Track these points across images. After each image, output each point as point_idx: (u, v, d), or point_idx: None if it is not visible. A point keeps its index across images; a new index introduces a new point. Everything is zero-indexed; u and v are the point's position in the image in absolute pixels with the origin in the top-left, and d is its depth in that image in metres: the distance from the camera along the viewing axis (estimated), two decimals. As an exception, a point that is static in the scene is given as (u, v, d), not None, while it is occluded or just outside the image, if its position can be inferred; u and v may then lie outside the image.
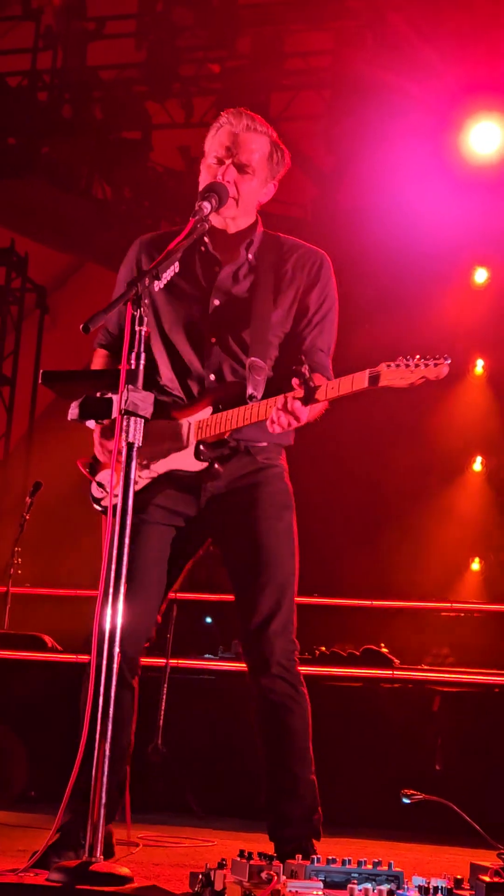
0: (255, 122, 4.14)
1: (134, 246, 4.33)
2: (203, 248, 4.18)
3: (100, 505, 4.14)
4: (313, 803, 4.00)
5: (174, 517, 4.13)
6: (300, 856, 3.32)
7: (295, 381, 3.75)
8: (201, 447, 4.01)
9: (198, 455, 4.01)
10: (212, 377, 4.10)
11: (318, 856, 3.30)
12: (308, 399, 3.73)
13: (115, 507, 3.46)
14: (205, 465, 4.01)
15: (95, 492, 4.15)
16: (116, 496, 3.72)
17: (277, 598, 4.03)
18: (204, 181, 4.13)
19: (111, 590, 3.36)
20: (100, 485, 4.14)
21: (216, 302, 4.14)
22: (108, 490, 4.07)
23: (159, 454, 4.04)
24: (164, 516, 4.11)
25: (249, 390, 4.00)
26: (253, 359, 4.05)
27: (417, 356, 3.69)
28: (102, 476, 4.12)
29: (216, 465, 4.02)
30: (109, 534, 3.43)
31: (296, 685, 4.03)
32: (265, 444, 4.14)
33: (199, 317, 4.14)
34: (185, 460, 4.04)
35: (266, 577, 4.03)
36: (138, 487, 4.04)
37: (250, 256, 4.20)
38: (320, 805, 4.02)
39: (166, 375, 4.18)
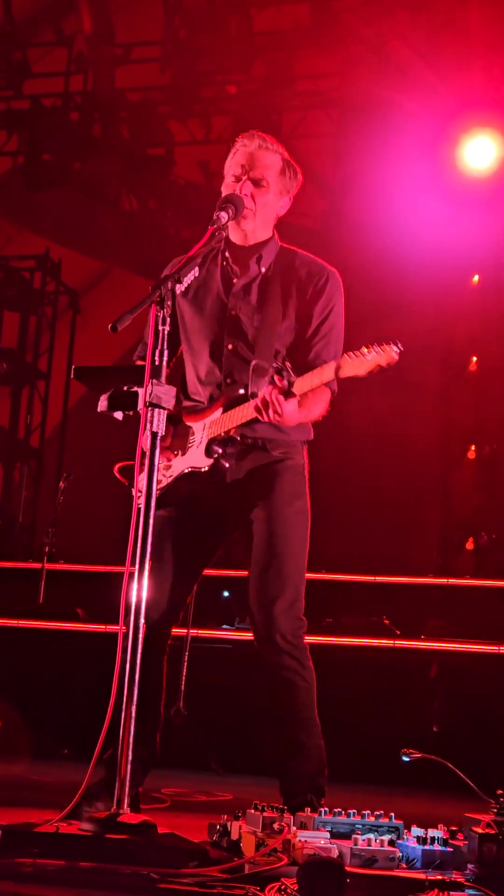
0: (266, 142, 4.14)
1: (168, 266, 4.34)
2: (224, 263, 4.18)
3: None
4: (319, 765, 4.01)
5: (198, 509, 4.12)
6: (308, 809, 3.33)
7: (276, 377, 3.78)
8: (213, 446, 4.02)
9: (208, 452, 4.02)
10: (228, 381, 4.11)
11: (326, 808, 3.30)
12: (287, 393, 3.74)
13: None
14: (212, 460, 4.02)
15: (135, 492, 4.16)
16: (141, 493, 3.75)
17: (283, 579, 4.02)
18: None
19: (137, 570, 3.38)
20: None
21: (232, 313, 4.14)
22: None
23: (179, 454, 4.06)
24: (189, 510, 4.12)
25: (251, 389, 4.00)
26: (257, 361, 4.05)
27: (365, 348, 3.69)
28: (140, 482, 4.14)
29: (222, 461, 4.03)
30: (134, 522, 3.43)
31: (302, 660, 4.02)
32: (283, 440, 4.13)
33: (218, 327, 4.15)
34: (197, 458, 4.06)
35: (275, 560, 4.03)
36: (162, 486, 4.05)
37: (263, 269, 4.18)
38: (326, 767, 4.03)
39: (192, 382, 4.20)
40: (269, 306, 4.13)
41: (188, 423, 4.15)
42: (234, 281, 4.17)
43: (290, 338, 4.13)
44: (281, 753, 4.03)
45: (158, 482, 3.93)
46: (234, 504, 4.13)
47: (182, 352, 4.27)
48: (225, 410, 4.03)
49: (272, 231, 4.24)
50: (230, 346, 4.12)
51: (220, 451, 4.02)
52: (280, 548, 4.04)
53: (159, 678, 4.08)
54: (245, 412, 3.95)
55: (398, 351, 3.65)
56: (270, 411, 3.78)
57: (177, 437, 4.14)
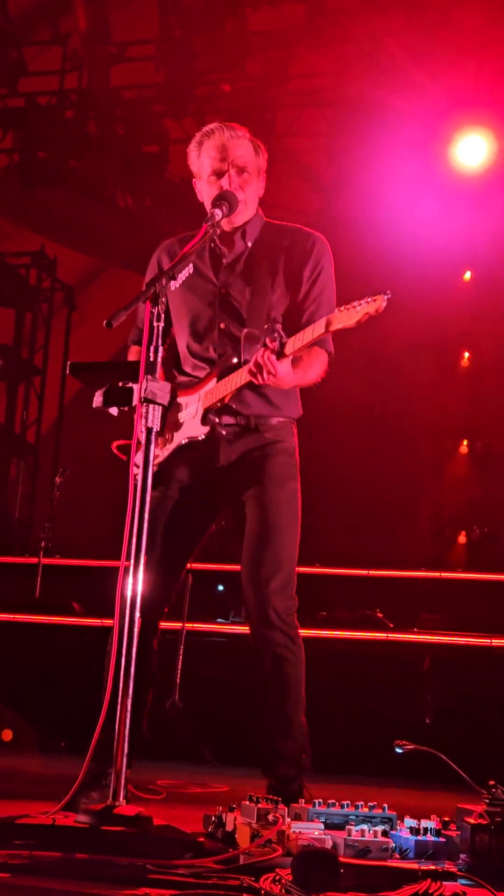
0: (232, 129, 4.15)
1: (157, 250, 4.36)
2: (212, 245, 4.21)
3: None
4: (303, 743, 4.07)
5: (191, 490, 4.16)
6: (303, 800, 3.34)
7: (268, 339, 3.79)
8: (209, 415, 4.05)
9: (203, 421, 4.05)
10: (221, 356, 4.14)
11: (320, 800, 3.31)
12: (279, 353, 3.76)
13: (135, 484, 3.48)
14: (208, 428, 4.05)
15: (135, 471, 4.17)
16: (137, 466, 3.76)
17: (278, 558, 4.06)
18: (210, 195, 4.12)
19: (132, 560, 3.37)
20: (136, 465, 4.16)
21: (222, 290, 4.18)
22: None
23: (176, 425, 4.09)
24: (182, 490, 4.15)
25: (244, 357, 4.02)
26: (248, 330, 4.06)
27: (355, 300, 3.69)
28: (138, 458, 4.14)
29: (218, 428, 4.05)
30: (130, 501, 3.43)
31: (294, 637, 4.07)
32: (275, 420, 4.16)
33: (210, 306, 4.18)
34: (194, 428, 4.09)
35: (268, 540, 4.06)
36: (161, 459, 4.07)
37: (249, 244, 4.22)
38: (309, 745, 4.09)
39: (186, 361, 4.23)
40: (258, 278, 4.16)
41: (182, 399, 4.18)
42: (223, 261, 4.21)
43: (284, 306, 4.17)
44: (268, 732, 4.07)
45: (155, 457, 3.94)
46: (226, 486, 4.16)
47: (174, 332, 4.30)
48: (219, 380, 4.06)
49: (255, 209, 4.26)
50: (222, 325, 4.16)
51: (217, 419, 4.05)
52: (274, 529, 4.08)
53: (147, 668, 4.08)
54: (239, 378, 3.97)
55: (387, 297, 3.61)
56: (264, 372, 3.80)
57: (170, 414, 4.15)
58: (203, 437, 4.07)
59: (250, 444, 4.13)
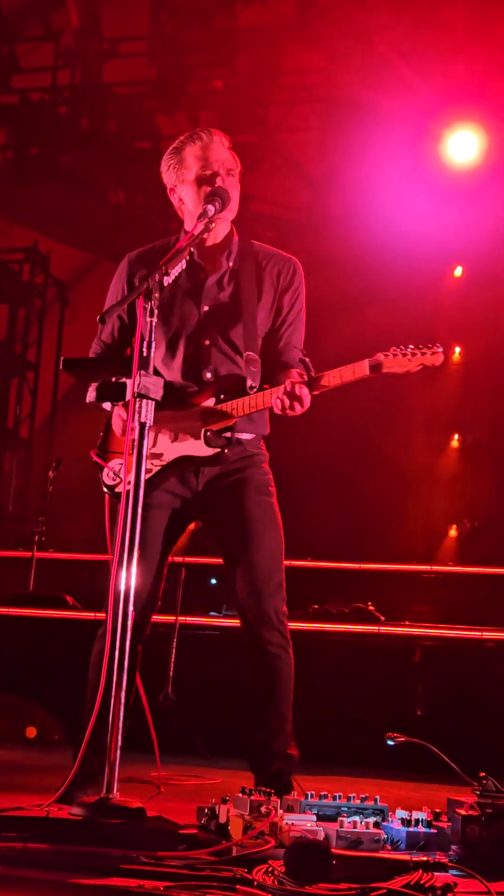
0: (212, 134, 4.14)
1: (124, 262, 4.33)
2: (188, 258, 4.12)
3: (112, 492, 4.16)
4: (290, 738, 4.11)
5: (175, 500, 4.17)
6: (295, 792, 3.35)
7: (297, 372, 3.87)
8: (208, 434, 4.05)
9: (208, 442, 4.06)
10: (208, 375, 4.12)
11: (312, 792, 3.31)
12: (312, 386, 3.84)
13: (127, 491, 3.48)
14: (216, 450, 4.06)
15: (107, 479, 4.18)
16: (129, 483, 3.75)
17: (271, 561, 4.10)
18: (196, 199, 4.10)
19: (125, 557, 3.38)
20: (114, 474, 4.16)
21: (205, 308, 4.16)
22: (120, 477, 4.10)
23: (171, 444, 4.06)
24: (168, 500, 4.16)
25: (249, 382, 4.06)
26: (249, 353, 4.10)
27: (410, 346, 3.78)
28: (114, 464, 4.15)
29: (226, 451, 4.08)
30: (123, 509, 3.43)
31: (287, 638, 4.12)
32: (251, 435, 4.20)
33: (192, 322, 4.16)
34: (196, 448, 4.08)
35: (260, 544, 4.10)
36: (150, 475, 4.07)
37: (231, 264, 4.21)
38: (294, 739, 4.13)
39: (169, 378, 4.19)
40: (245, 298, 4.16)
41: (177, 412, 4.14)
42: (203, 276, 4.18)
43: (264, 328, 4.19)
44: (261, 729, 4.09)
45: (148, 470, 3.95)
46: (210, 494, 4.17)
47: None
48: (218, 402, 4.05)
49: (230, 225, 4.25)
50: (206, 342, 4.13)
51: (221, 442, 4.07)
52: (265, 533, 4.11)
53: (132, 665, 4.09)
54: (250, 403, 4.01)
55: (441, 352, 3.78)
56: (289, 403, 3.86)
57: (164, 424, 4.13)
58: (207, 456, 4.08)
59: (233, 456, 4.15)
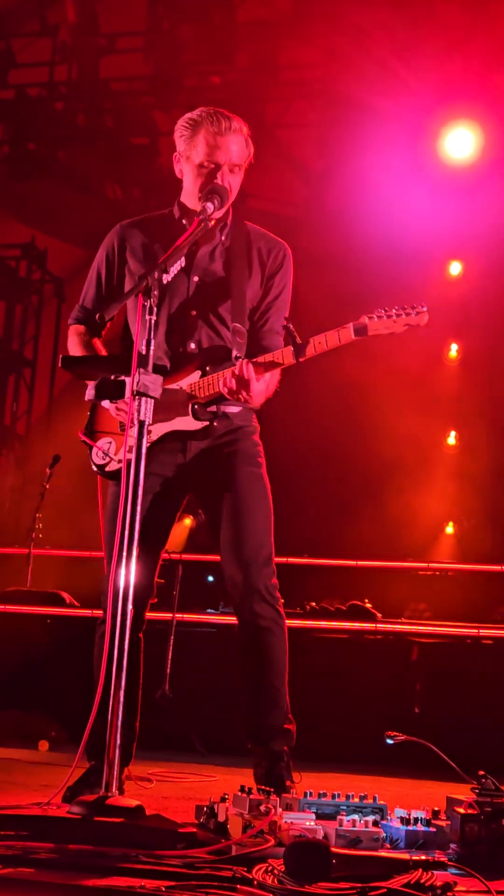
0: (229, 121, 4.06)
1: (113, 231, 4.34)
2: (181, 232, 4.08)
3: (103, 471, 4.14)
4: (287, 711, 4.10)
5: (164, 480, 4.14)
6: (290, 783, 3.34)
7: (274, 339, 3.97)
8: (195, 407, 4.03)
9: (196, 415, 4.04)
10: (192, 346, 4.10)
11: (310, 790, 3.31)
12: (299, 353, 3.79)
13: (121, 472, 3.47)
14: (205, 423, 4.05)
15: (97, 459, 4.16)
16: (120, 462, 3.74)
17: (261, 533, 4.10)
18: (195, 182, 4.09)
19: (124, 552, 3.36)
20: (103, 453, 4.15)
21: (195, 278, 4.15)
22: (110, 456, 4.08)
23: (158, 420, 4.02)
24: (156, 482, 4.12)
25: (235, 352, 4.04)
26: (236, 324, 4.10)
27: (395, 307, 3.74)
28: (102, 443, 4.13)
29: (215, 423, 4.07)
30: (123, 501, 3.40)
31: (279, 610, 4.10)
32: (238, 408, 4.16)
33: (181, 292, 4.14)
34: (184, 422, 4.05)
35: (250, 516, 4.09)
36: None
37: (224, 238, 4.21)
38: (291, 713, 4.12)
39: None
40: (236, 272, 4.15)
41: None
42: (195, 249, 4.15)
43: (253, 305, 4.19)
44: (256, 703, 4.08)
45: (131, 448, 3.94)
46: (198, 471, 4.15)
47: (126, 315, 4.26)
48: (203, 374, 4.02)
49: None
50: (193, 312, 4.12)
51: (209, 414, 4.05)
52: (254, 506, 4.11)
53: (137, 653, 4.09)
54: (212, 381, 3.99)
55: (426, 312, 3.74)
56: (242, 391, 3.83)
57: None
58: (197, 430, 4.06)
59: (221, 429, 4.14)
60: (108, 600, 3.36)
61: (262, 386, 3.89)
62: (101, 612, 3.96)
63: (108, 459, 4.11)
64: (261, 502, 4.13)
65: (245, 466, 4.14)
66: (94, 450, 4.16)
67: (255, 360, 3.88)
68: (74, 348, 4.28)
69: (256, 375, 3.84)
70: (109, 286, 4.25)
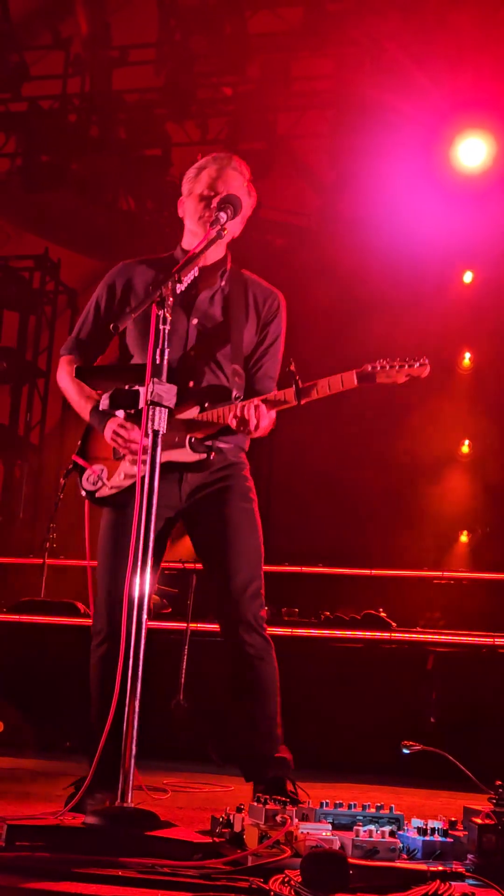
0: (233, 162, 4.26)
1: (117, 267, 4.42)
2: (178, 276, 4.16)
3: (92, 497, 4.22)
4: (280, 741, 4.15)
5: (160, 508, 4.15)
6: (306, 802, 3.33)
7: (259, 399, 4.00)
8: (193, 440, 4.11)
9: (193, 448, 4.11)
10: (191, 384, 4.17)
11: (327, 801, 3.30)
12: (301, 396, 3.92)
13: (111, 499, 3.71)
14: (202, 455, 4.12)
15: (87, 485, 4.23)
16: (112, 488, 4.06)
17: (251, 566, 4.19)
18: (196, 214, 4.22)
19: (139, 565, 3.37)
20: (95, 478, 4.19)
21: (194, 321, 4.24)
22: (102, 481, 4.18)
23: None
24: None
25: (235, 392, 4.15)
26: (235, 366, 4.21)
27: (398, 358, 3.91)
28: (95, 468, 4.18)
29: (212, 455, 4.14)
30: (137, 517, 3.42)
31: (268, 640, 4.20)
32: (230, 445, 4.26)
33: (180, 333, 4.19)
34: (182, 454, 4.11)
35: (240, 549, 4.18)
36: (129, 483, 4.08)
37: (223, 283, 4.30)
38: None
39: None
40: (235, 316, 4.26)
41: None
42: (194, 292, 4.23)
43: (249, 350, 4.30)
44: (250, 734, 4.14)
45: (131, 476, 4.02)
46: (193, 501, 4.23)
47: (125, 340, 4.37)
48: (202, 410, 4.10)
49: (226, 250, 4.36)
50: (193, 353, 4.19)
51: (206, 448, 4.11)
52: (246, 541, 4.20)
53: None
54: (234, 413, 4.04)
55: (428, 365, 3.91)
56: (251, 425, 3.96)
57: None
58: (192, 461, 4.12)
59: (215, 464, 4.21)
60: (136, 610, 3.37)
61: (267, 422, 4.03)
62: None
63: (99, 484, 4.17)
64: (252, 537, 4.24)
65: (238, 502, 4.25)
66: (86, 474, 4.22)
67: (264, 397, 4.03)
68: (64, 379, 4.34)
69: (300, 401, 3.99)
70: (108, 320, 4.28)
